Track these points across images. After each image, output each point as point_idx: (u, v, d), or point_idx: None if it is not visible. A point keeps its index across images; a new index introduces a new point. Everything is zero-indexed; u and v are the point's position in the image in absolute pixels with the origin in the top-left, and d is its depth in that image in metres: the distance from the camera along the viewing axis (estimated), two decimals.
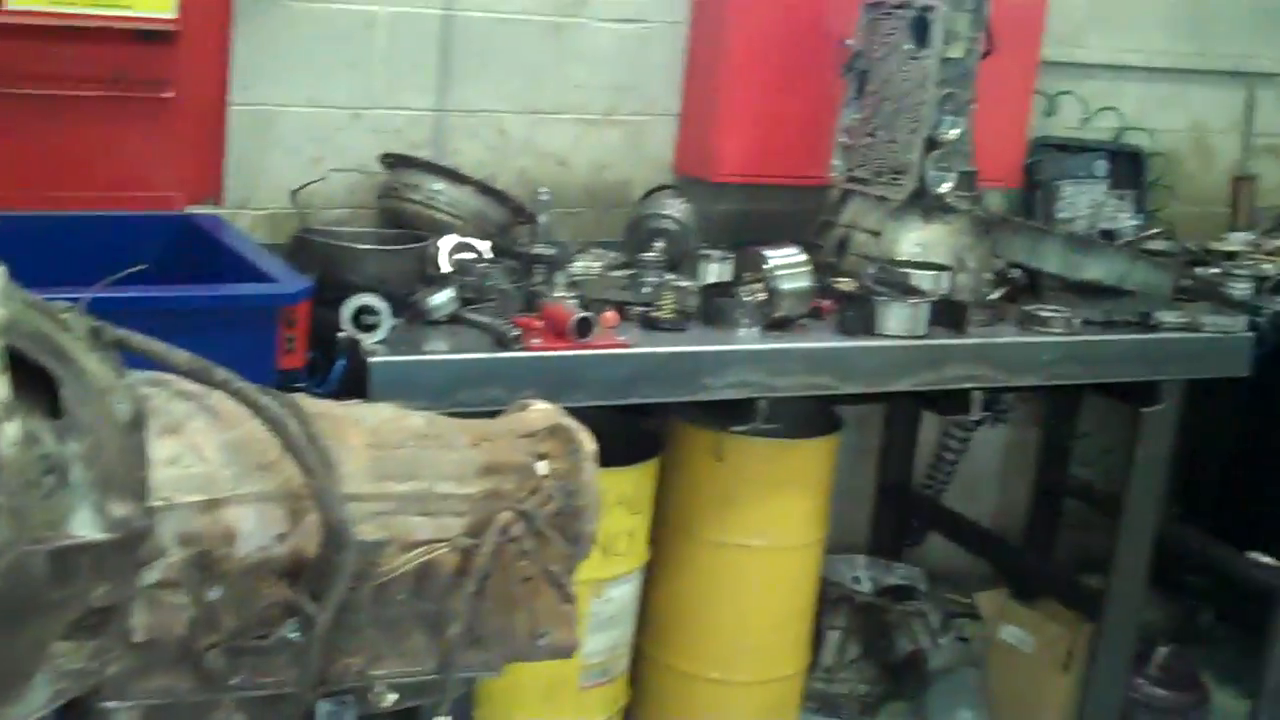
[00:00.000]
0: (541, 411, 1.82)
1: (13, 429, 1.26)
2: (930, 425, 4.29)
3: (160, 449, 1.46)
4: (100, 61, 3.09)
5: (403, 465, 1.64)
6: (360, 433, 1.64)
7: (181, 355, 1.51)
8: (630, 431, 3.29)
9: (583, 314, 2.83)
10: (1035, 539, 4.46)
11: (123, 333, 1.47)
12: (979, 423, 4.24)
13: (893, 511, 4.33)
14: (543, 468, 1.74)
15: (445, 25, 3.54)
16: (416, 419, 1.71)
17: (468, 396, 2.65)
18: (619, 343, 2.85)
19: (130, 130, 3.16)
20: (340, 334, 2.71)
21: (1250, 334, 3.46)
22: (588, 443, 1.78)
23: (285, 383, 2.51)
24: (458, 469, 1.68)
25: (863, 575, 4.04)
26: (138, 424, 1.42)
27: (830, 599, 3.82)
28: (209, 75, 3.25)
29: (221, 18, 3.23)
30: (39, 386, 1.33)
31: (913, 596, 4.01)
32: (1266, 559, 3.87)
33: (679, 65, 3.81)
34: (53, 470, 1.30)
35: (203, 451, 1.51)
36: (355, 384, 2.63)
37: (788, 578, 3.49)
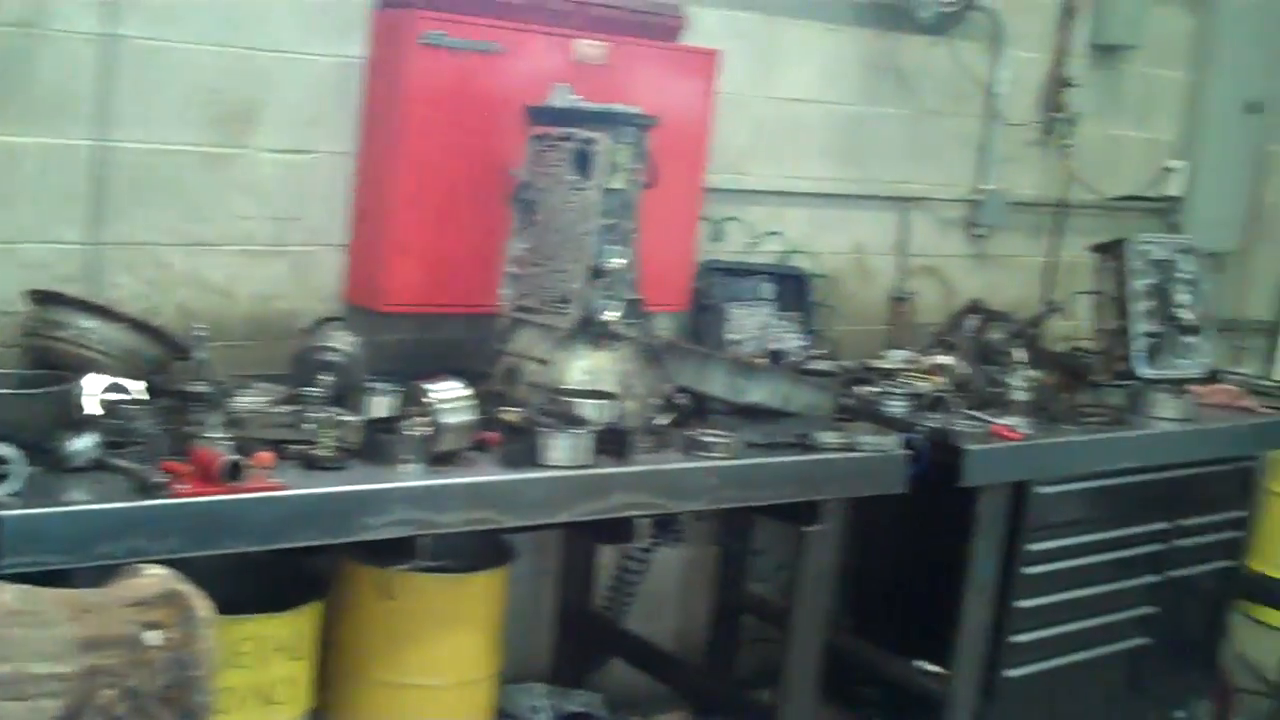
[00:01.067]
0: (153, 577, 1.75)
1: None
2: (610, 548, 4.32)
3: None
4: None
5: None
6: None
7: None
8: (292, 573, 3.20)
9: (233, 456, 2.74)
10: (716, 657, 4.53)
11: None
12: (654, 546, 4.32)
13: (573, 637, 4.33)
14: (152, 638, 1.67)
15: (97, 156, 3.43)
16: (6, 594, 1.62)
17: (109, 549, 2.52)
18: (271, 485, 2.78)
19: None
20: None
21: (904, 452, 3.61)
22: (203, 609, 1.72)
23: None
24: (54, 647, 1.60)
25: (542, 705, 4.01)
26: None
27: None
28: None
29: None
30: None
31: None
32: (931, 667, 4.02)
33: (346, 195, 3.79)
34: None
35: None
36: None
37: (462, 716, 3.43)
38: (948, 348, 4.36)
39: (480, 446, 3.14)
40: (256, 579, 3.16)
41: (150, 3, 3.44)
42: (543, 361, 3.49)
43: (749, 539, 4.46)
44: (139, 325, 3.19)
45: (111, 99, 3.43)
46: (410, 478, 2.94)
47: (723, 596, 4.55)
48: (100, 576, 2.20)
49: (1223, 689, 5.00)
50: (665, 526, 4.16)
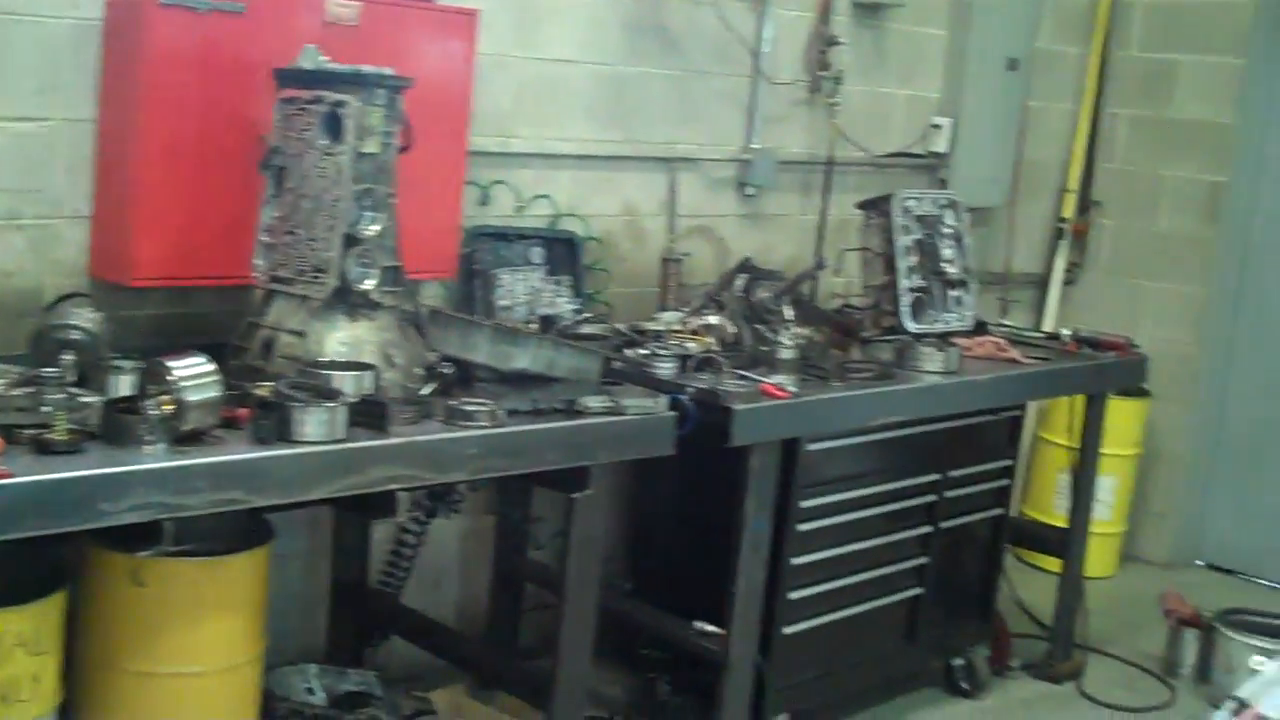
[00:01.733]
0: None
1: None
2: (385, 523, 4.23)
3: None
4: None
5: None
6: None
7: None
8: (32, 563, 3.04)
9: None
10: (497, 627, 4.49)
11: None
12: (427, 518, 4.25)
13: (349, 615, 4.22)
14: None
15: None
16: None
17: None
18: None
19: None
20: None
21: (671, 414, 3.59)
22: None
23: None
24: None
25: (315, 685, 3.91)
26: None
27: (279, 715, 3.67)
28: None
29: None
30: None
31: (368, 703, 3.91)
32: (711, 628, 4.03)
33: (88, 165, 3.60)
34: None
35: None
36: None
37: (224, 702, 3.33)
38: (718, 308, 4.36)
39: (230, 424, 3.02)
40: None
41: None
42: (298, 333, 3.39)
43: (527, 507, 4.42)
44: None
45: None
46: (152, 459, 2.80)
47: (502, 566, 4.51)
48: None
49: (999, 635, 5.14)
50: (441, 498, 4.13)
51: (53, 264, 3.60)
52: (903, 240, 4.58)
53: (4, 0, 3.42)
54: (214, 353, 3.20)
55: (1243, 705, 2.83)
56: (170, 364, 2.94)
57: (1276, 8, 6.19)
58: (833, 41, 5.24)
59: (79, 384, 3.06)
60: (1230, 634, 5.10)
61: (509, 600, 4.47)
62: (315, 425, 2.98)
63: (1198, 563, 6.64)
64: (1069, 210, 6.48)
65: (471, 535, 4.60)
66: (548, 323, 4.21)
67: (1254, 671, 2.93)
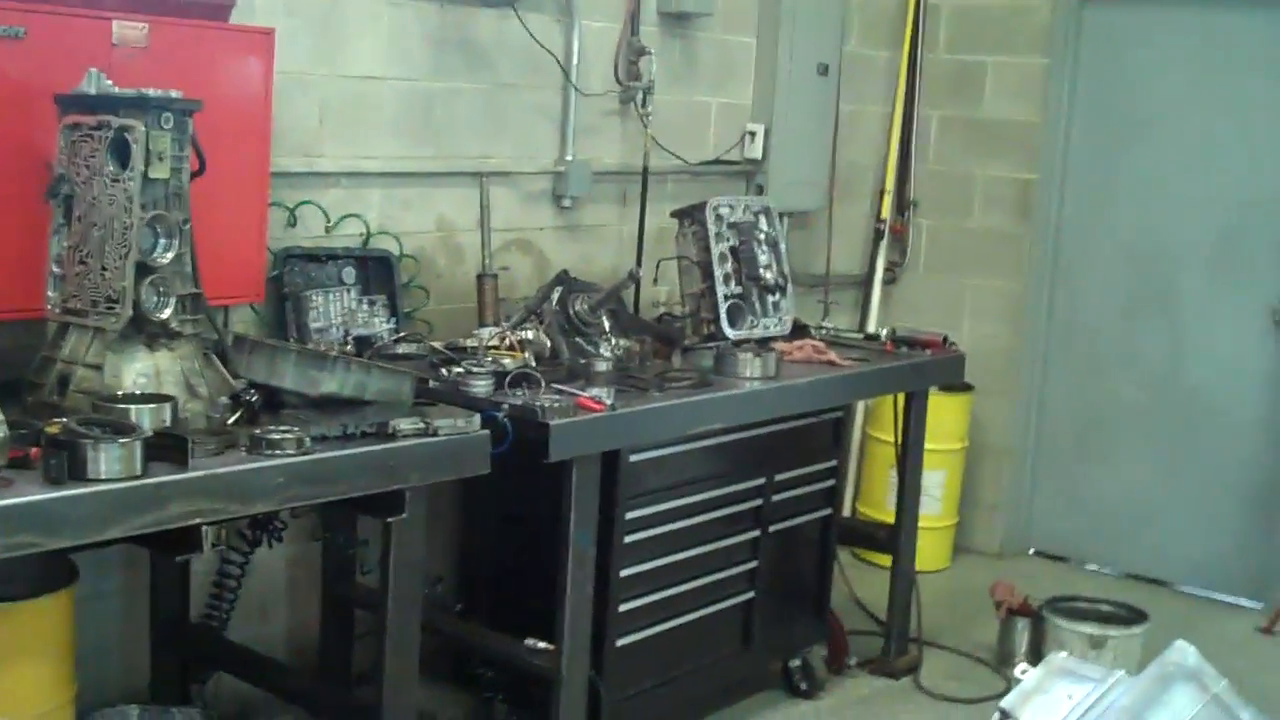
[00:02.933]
0: None
1: None
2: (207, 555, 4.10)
3: None
4: None
5: None
6: None
7: None
8: None
9: None
10: (328, 656, 4.39)
11: None
12: (253, 546, 4.14)
13: (172, 652, 4.09)
14: None
15: None
16: None
17: None
18: None
19: None
20: None
21: (486, 432, 3.54)
22: None
23: None
24: None
25: None
26: None
27: None
28: None
29: None
30: None
31: None
32: (543, 644, 3.99)
33: None
34: None
35: None
36: None
37: None
38: (537, 321, 4.33)
39: (20, 464, 2.89)
40: None
41: None
42: (94, 366, 3.27)
43: (352, 531, 4.33)
44: None
45: None
46: None
47: (330, 592, 4.41)
48: None
49: (834, 634, 5.18)
50: (263, 526, 4.02)
51: None
52: (717, 248, 4.62)
53: None
54: (9, 389, 3.08)
55: (1005, 715, 2.85)
56: None
57: (1074, 9, 6.37)
58: (642, 51, 5.24)
59: None
60: (1059, 621, 5.21)
61: (339, 627, 4.38)
62: (109, 462, 2.87)
63: (1030, 552, 6.79)
64: (886, 211, 6.59)
65: (299, 562, 4.49)
66: (363, 344, 4.14)
67: (1017, 680, 2.93)
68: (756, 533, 4.64)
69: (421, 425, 3.41)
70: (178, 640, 4.09)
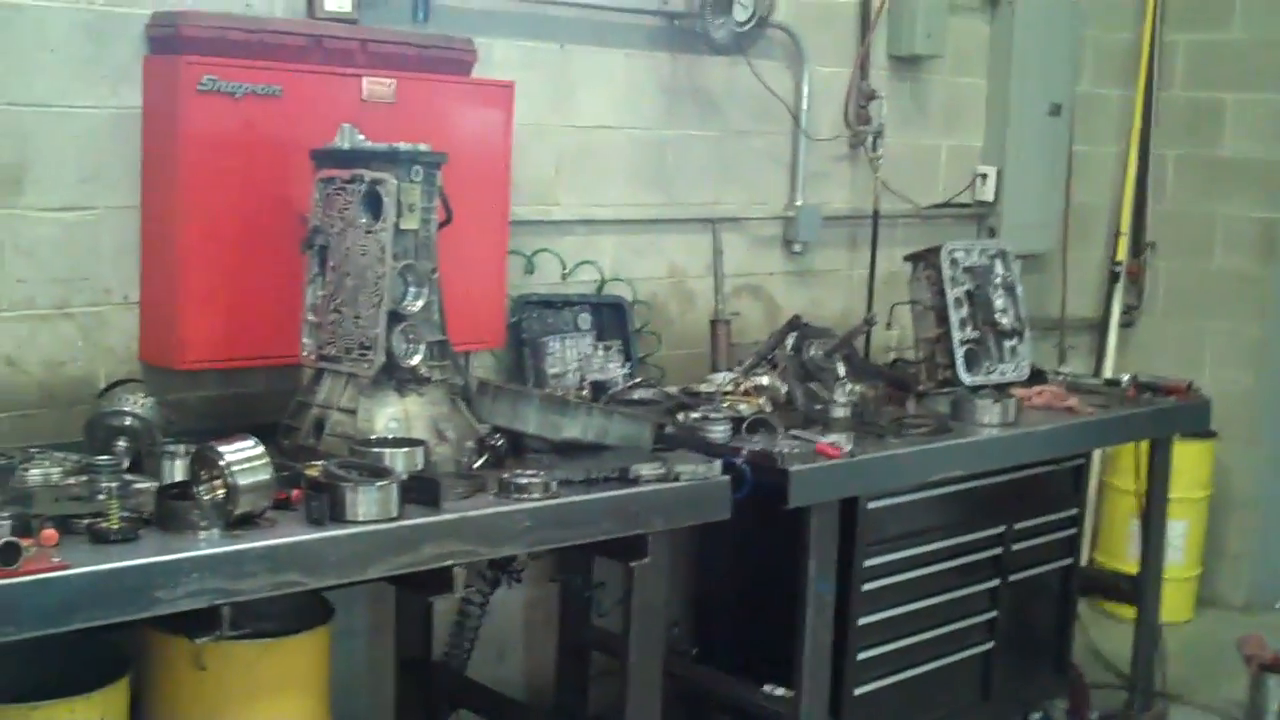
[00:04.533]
0: None
1: None
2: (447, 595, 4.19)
3: None
4: None
5: None
6: None
7: None
8: (93, 651, 3.03)
9: (5, 538, 2.57)
10: (565, 696, 4.43)
11: None
12: (487, 591, 4.20)
13: (416, 691, 4.18)
14: None
15: None
16: None
17: None
18: (52, 565, 2.60)
19: None
20: None
21: (726, 478, 3.53)
22: None
23: None
24: None
25: None
26: None
27: None
28: None
29: None
30: None
31: None
32: (780, 691, 3.96)
33: (134, 252, 3.62)
34: None
35: None
36: None
37: None
38: (770, 367, 4.31)
39: (283, 505, 2.99)
40: (57, 660, 3.01)
41: None
42: (348, 411, 3.37)
43: (589, 574, 4.36)
44: None
45: None
46: (206, 545, 2.78)
47: (567, 634, 4.46)
48: None
49: (1076, 686, 5.03)
50: (502, 568, 4.08)
51: (104, 351, 3.61)
52: (953, 292, 4.53)
53: (46, 93, 3.46)
54: (266, 433, 3.19)
55: None
56: (220, 449, 2.92)
57: None
58: (872, 96, 5.22)
59: (133, 470, 3.06)
60: None
61: (576, 668, 4.42)
62: (368, 504, 2.95)
63: (1277, 605, 6.47)
64: (1122, 253, 6.41)
65: (535, 604, 4.55)
66: (599, 389, 4.18)
67: None
68: (996, 582, 4.54)
69: (663, 470, 3.42)
70: (421, 677, 4.18)
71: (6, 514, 2.72)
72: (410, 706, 4.18)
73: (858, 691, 4.11)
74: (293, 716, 3.28)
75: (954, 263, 4.55)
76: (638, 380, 4.30)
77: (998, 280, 4.68)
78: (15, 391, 3.45)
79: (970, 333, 4.53)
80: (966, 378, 4.44)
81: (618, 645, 3.88)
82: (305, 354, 3.49)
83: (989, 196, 5.76)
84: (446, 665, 4.27)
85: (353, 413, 3.36)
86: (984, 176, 5.76)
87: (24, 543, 2.59)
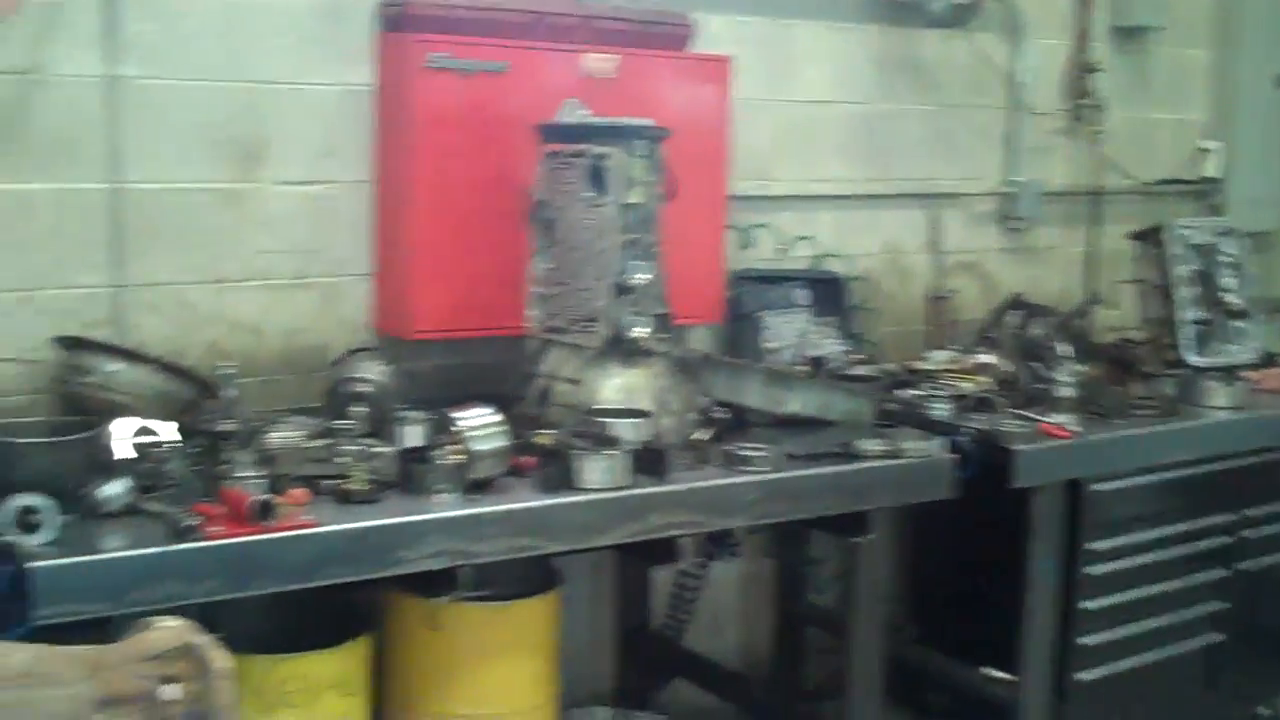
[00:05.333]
0: (167, 630, 1.67)
1: None
2: (665, 566, 4.22)
3: None
4: None
5: (13, 711, 1.47)
6: None
7: None
8: (339, 608, 3.13)
9: (263, 496, 2.67)
10: (781, 671, 4.42)
11: None
12: (707, 562, 4.22)
13: (634, 658, 4.23)
14: (169, 693, 1.59)
15: (112, 199, 3.38)
16: (18, 656, 1.55)
17: (144, 595, 2.46)
18: (303, 523, 2.70)
19: None
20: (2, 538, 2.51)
21: (950, 456, 3.49)
22: (220, 660, 1.64)
23: None
24: (70, 706, 1.52)
25: None
26: None
27: None
28: None
29: None
30: None
31: None
32: (999, 673, 3.90)
33: (368, 224, 3.72)
34: None
35: None
36: (20, 591, 2.42)
37: None
38: (990, 345, 4.24)
39: (516, 472, 3.06)
40: (303, 616, 3.14)
41: (148, 41, 3.40)
42: (574, 382, 3.41)
43: (805, 550, 4.35)
44: (166, 366, 3.15)
45: (119, 140, 3.39)
46: (446, 508, 2.86)
47: (783, 610, 4.44)
48: (117, 631, 2.14)
49: None
50: (719, 542, 4.08)
51: (339, 320, 3.72)
52: (1180, 270, 4.40)
53: (283, 71, 3.58)
54: (491, 402, 3.25)
55: None
56: (459, 414, 3.00)
57: None
58: (1092, 68, 5.08)
59: (370, 435, 3.15)
60: None
61: (791, 644, 4.40)
62: (599, 473, 3.00)
63: None
64: None
65: (751, 578, 4.56)
66: (817, 365, 4.16)
67: None
68: (1225, 571, 4.38)
69: (887, 447, 3.40)
70: (639, 647, 4.23)
71: (261, 473, 2.84)
72: (628, 674, 4.23)
73: (1081, 677, 4.02)
74: (523, 679, 3.35)
75: (1181, 240, 4.41)
76: (856, 356, 4.27)
77: (1226, 259, 4.52)
78: (256, 358, 3.58)
79: (1198, 313, 4.39)
80: (1195, 359, 4.30)
81: (835, 622, 3.89)
82: (531, 325, 3.54)
83: (1214, 172, 5.56)
84: (664, 635, 4.31)
85: (578, 383, 3.40)
86: (1208, 151, 5.56)
87: (277, 501, 2.71)
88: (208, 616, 2.40)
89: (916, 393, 3.91)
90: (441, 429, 3.04)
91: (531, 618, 3.37)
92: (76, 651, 1.60)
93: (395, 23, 3.67)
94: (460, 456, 2.96)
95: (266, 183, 3.60)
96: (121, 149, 3.39)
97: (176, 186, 3.48)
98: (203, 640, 1.65)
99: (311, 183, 3.66)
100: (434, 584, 3.11)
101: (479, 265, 3.66)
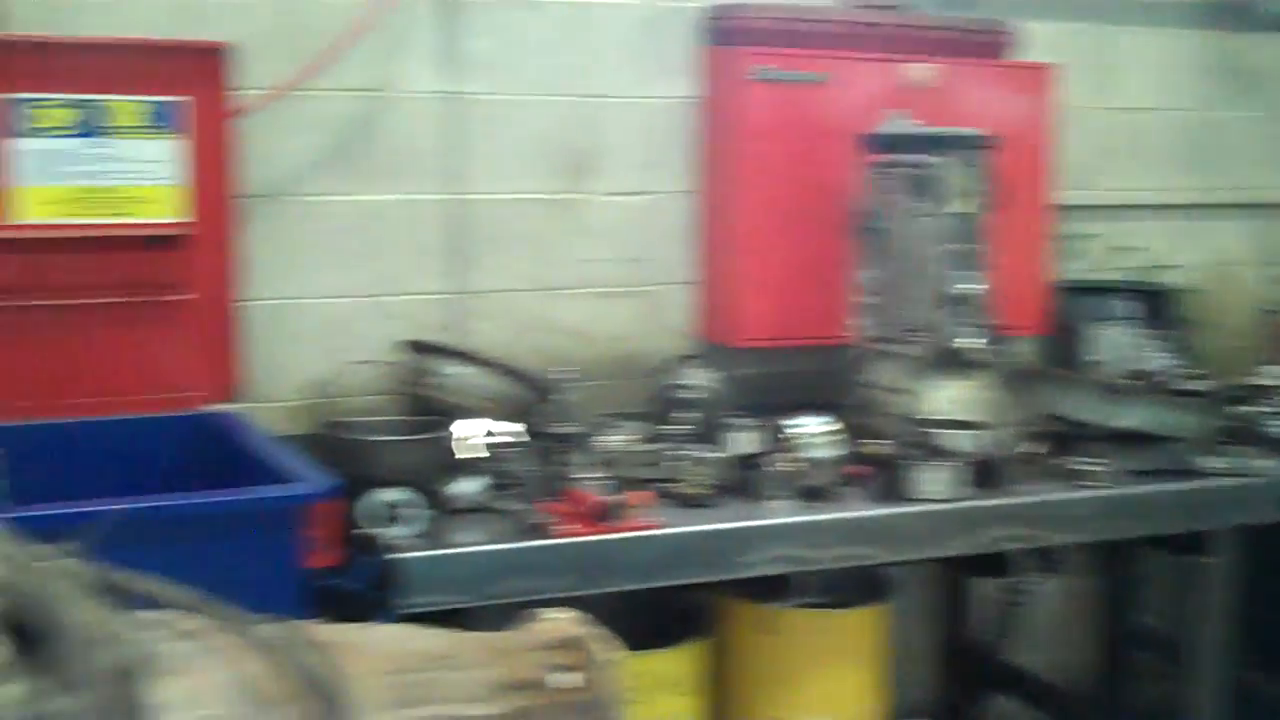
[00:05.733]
0: (556, 620, 1.72)
1: (12, 690, 1.19)
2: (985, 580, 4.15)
3: (161, 693, 1.37)
4: (111, 268, 3.09)
5: (418, 690, 1.55)
6: (373, 659, 1.56)
7: (184, 595, 1.44)
8: (673, 610, 3.19)
9: (611, 496, 2.75)
10: (1104, 691, 4.29)
11: (123, 576, 1.40)
12: (1035, 575, 4.12)
13: (954, 672, 4.18)
14: (560, 681, 1.65)
15: (451, 209, 3.53)
16: (428, 638, 1.63)
17: (497, 589, 2.60)
18: (650, 524, 2.77)
19: (144, 333, 3.14)
20: (365, 530, 2.65)
21: None
22: (605, 652, 1.69)
23: (313, 582, 2.46)
24: (477, 689, 1.59)
25: None
26: (135, 672, 1.33)
27: None
28: (222, 274, 3.22)
29: (229, 218, 3.21)
30: (35, 641, 1.26)
31: None
32: None
33: (691, 233, 3.79)
34: None
35: (207, 693, 1.42)
36: (386, 581, 2.56)
37: None
38: None
39: (848, 481, 3.06)
40: (637, 616, 3.17)
41: (487, 59, 3.54)
42: (902, 392, 3.39)
43: (1131, 568, 4.21)
44: (509, 370, 3.26)
45: (459, 154, 3.54)
46: (784, 514, 2.89)
47: (1108, 629, 4.30)
48: (499, 619, 2.23)
49: None
50: (1047, 556, 4.00)
51: (662, 327, 3.80)
52: None
53: (612, 85, 3.68)
54: (813, 409, 3.26)
55: None
56: (795, 421, 3.02)
57: None
58: None
59: (698, 441, 3.20)
60: None
61: (1115, 664, 4.26)
62: (936, 484, 2.99)
63: None
64: None
65: (1072, 595, 4.43)
66: (1147, 378, 4.02)
67: None
68: None
69: (1230, 465, 3.28)
70: (962, 659, 4.17)
71: (602, 475, 2.92)
72: (949, 687, 4.18)
73: None
74: (854, 688, 3.35)
75: None
76: (1187, 370, 4.12)
77: None
78: (583, 363, 3.68)
79: None
80: None
81: (1168, 645, 3.75)
82: (857, 335, 3.54)
83: None
84: (987, 648, 4.23)
85: (906, 393, 3.38)
86: None
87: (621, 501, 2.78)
88: None
89: (1253, 409, 3.75)
90: (776, 436, 3.07)
91: (865, 627, 3.37)
92: (476, 637, 1.67)
93: (721, 35, 3.73)
94: (795, 464, 2.98)
95: (594, 193, 3.70)
96: (461, 161, 3.54)
97: (511, 197, 3.61)
98: (589, 632, 1.70)
99: (637, 193, 3.75)
100: (763, 590, 3.13)
101: (802, 274, 3.68)
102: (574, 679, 1.66)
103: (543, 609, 1.77)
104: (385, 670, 1.54)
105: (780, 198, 3.66)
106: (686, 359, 3.56)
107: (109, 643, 1.32)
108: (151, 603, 1.44)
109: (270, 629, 1.45)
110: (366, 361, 3.41)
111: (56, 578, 1.33)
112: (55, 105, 3.03)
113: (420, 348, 3.35)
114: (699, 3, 3.75)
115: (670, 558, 2.77)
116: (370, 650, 1.56)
